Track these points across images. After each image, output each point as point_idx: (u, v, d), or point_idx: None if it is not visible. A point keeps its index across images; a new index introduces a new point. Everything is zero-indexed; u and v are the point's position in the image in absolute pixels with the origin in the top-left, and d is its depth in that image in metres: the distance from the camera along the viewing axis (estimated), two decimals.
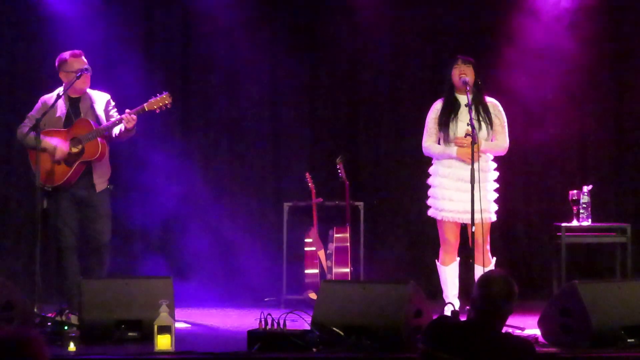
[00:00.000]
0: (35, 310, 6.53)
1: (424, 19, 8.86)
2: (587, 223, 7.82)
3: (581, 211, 7.81)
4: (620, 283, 6.68)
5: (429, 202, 7.05)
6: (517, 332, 6.34)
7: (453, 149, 6.85)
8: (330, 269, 8.18)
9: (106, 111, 7.25)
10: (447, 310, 6.40)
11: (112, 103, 7.30)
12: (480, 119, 6.89)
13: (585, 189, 7.83)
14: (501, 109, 7.04)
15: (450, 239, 6.94)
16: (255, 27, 8.76)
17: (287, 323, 5.99)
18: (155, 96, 7.17)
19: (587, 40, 8.69)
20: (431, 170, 7.05)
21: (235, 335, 6.49)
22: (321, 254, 8.21)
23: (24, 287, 7.05)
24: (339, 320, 5.95)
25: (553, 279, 8.02)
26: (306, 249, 8.25)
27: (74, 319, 6.47)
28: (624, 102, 8.85)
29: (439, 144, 6.99)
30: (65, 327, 6.15)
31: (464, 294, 6.92)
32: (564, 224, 7.89)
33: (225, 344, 6.23)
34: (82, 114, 7.20)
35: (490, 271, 4.77)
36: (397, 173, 8.83)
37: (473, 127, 6.58)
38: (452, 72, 6.94)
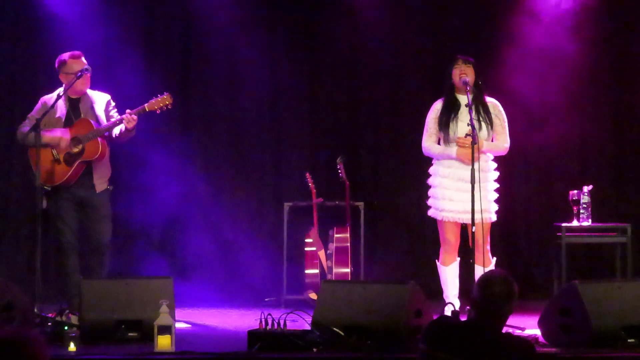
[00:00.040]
0: (35, 310, 6.52)
1: (424, 19, 8.86)
2: (587, 223, 7.82)
3: (581, 211, 7.81)
4: (620, 283, 6.68)
5: (429, 202, 7.05)
6: (518, 332, 6.34)
7: (453, 150, 6.85)
8: (330, 269, 8.18)
9: (106, 111, 7.25)
10: (447, 311, 6.40)
11: (113, 103, 7.30)
12: (481, 119, 6.89)
13: (586, 189, 7.83)
14: (501, 109, 7.04)
15: (450, 239, 6.94)
16: (255, 27, 8.76)
17: (288, 323, 6.00)
18: (156, 97, 7.17)
19: (587, 41, 8.69)
20: (431, 170, 7.04)
21: (236, 336, 6.48)
22: (321, 254, 8.21)
23: (24, 287, 7.04)
24: (339, 320, 5.95)
25: (553, 279, 8.03)
26: (306, 249, 8.26)
27: (74, 319, 6.47)
28: (624, 102, 8.85)
29: (439, 144, 6.99)
30: (66, 327, 6.15)
31: (464, 294, 6.92)
32: (564, 224, 7.89)
33: (225, 344, 6.23)
34: (82, 115, 7.20)
35: (491, 271, 4.76)
36: (397, 173, 8.84)
37: (473, 127, 6.58)
38: (452, 72, 6.94)
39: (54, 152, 7.13)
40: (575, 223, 7.86)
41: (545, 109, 8.78)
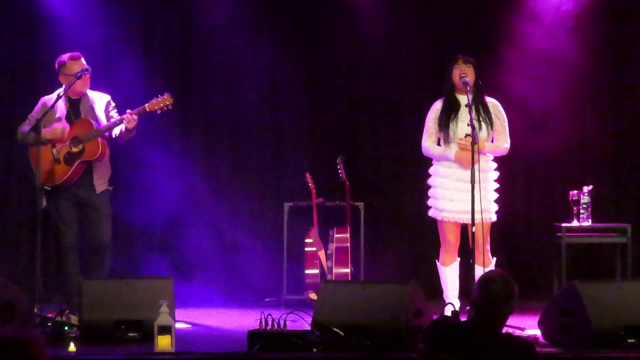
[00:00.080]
0: (35, 310, 6.53)
1: (424, 19, 8.86)
2: (587, 223, 7.83)
3: (581, 211, 7.81)
4: (620, 283, 6.68)
5: (429, 202, 7.05)
6: (518, 332, 6.34)
7: (452, 152, 6.85)
8: (330, 269, 8.18)
9: (106, 112, 7.25)
10: (448, 311, 6.40)
11: (113, 104, 7.31)
12: (481, 119, 6.89)
13: (586, 189, 7.84)
14: (501, 109, 7.03)
15: (450, 239, 6.94)
16: (255, 27, 8.76)
17: (288, 323, 6.00)
18: (157, 97, 7.18)
19: (587, 41, 8.69)
20: (431, 170, 7.04)
21: (236, 336, 6.49)
22: (321, 254, 8.21)
23: (24, 287, 7.04)
24: (339, 320, 5.95)
25: (553, 279, 8.03)
26: (306, 249, 8.25)
27: (74, 319, 6.47)
28: (624, 102, 8.85)
29: (439, 144, 6.99)
30: (66, 328, 6.15)
31: (464, 294, 6.92)
32: (564, 224, 7.89)
33: (225, 344, 6.23)
34: (82, 115, 7.20)
35: (490, 271, 4.76)
36: (397, 173, 8.83)
37: (473, 127, 6.57)
38: (452, 72, 6.93)
39: (54, 151, 7.14)
40: (575, 223, 7.86)
41: (546, 110, 8.78)
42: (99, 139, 7.12)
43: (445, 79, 7.02)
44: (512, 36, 8.59)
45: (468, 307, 4.23)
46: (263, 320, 5.94)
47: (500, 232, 8.41)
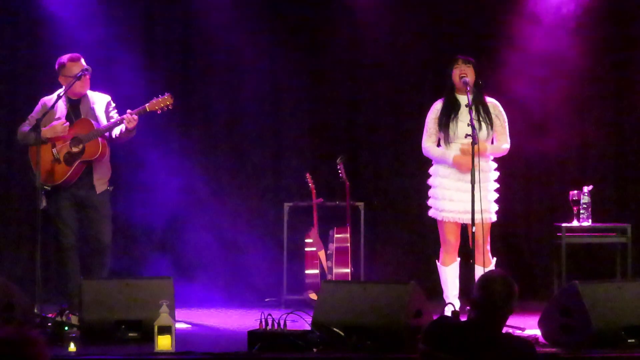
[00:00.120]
0: (35, 310, 6.53)
1: (424, 19, 8.85)
2: (587, 223, 7.83)
3: (581, 211, 7.81)
4: (620, 283, 6.68)
5: (430, 202, 7.05)
6: (518, 332, 6.34)
7: (450, 155, 6.84)
8: (330, 269, 8.18)
9: (106, 112, 7.25)
10: (448, 311, 6.40)
11: (113, 104, 7.31)
12: (481, 119, 6.88)
13: (586, 189, 7.84)
14: (502, 109, 7.03)
15: (450, 239, 6.94)
16: (255, 27, 8.75)
17: (288, 323, 6.00)
18: (157, 97, 7.18)
19: (587, 42, 8.68)
20: (431, 170, 7.04)
21: (236, 336, 6.49)
22: (321, 254, 8.21)
23: (25, 287, 7.04)
24: (340, 320, 5.95)
25: (553, 279, 8.03)
26: (306, 249, 8.25)
27: (74, 319, 6.47)
28: (624, 102, 8.85)
29: (439, 144, 6.99)
30: (66, 328, 6.15)
31: (464, 294, 6.92)
32: (564, 225, 7.89)
33: (225, 344, 6.23)
34: (82, 116, 7.20)
35: (491, 271, 4.76)
36: (397, 173, 8.83)
37: (473, 128, 6.57)
38: (452, 72, 6.93)
39: (54, 151, 7.14)
40: (575, 223, 7.86)
41: (546, 110, 8.78)
42: (99, 139, 7.12)
43: (445, 79, 7.02)
44: (513, 37, 8.58)
45: (468, 307, 4.23)
46: (263, 320, 5.94)
47: (501, 232, 8.40)
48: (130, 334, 6.24)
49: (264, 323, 5.94)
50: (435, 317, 5.18)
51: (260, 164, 8.89)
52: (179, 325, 6.55)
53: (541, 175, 8.87)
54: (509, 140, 7.02)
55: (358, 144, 8.94)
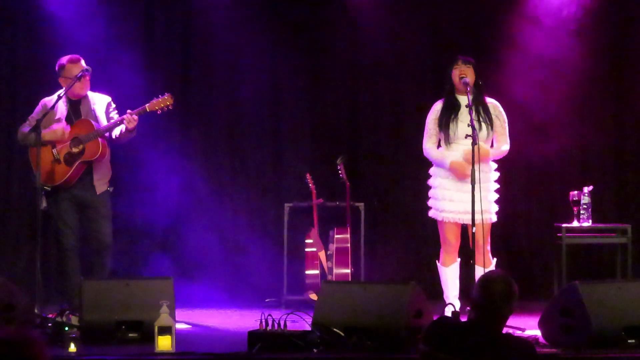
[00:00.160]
0: (35, 311, 6.53)
1: (425, 19, 8.85)
2: (587, 224, 7.82)
3: (582, 212, 7.81)
4: (620, 284, 6.68)
5: (430, 202, 7.05)
6: (518, 332, 6.34)
7: (448, 160, 6.84)
8: (330, 269, 8.18)
9: (107, 113, 7.25)
10: (448, 311, 6.40)
11: (113, 105, 7.31)
12: (481, 119, 6.88)
13: (586, 189, 7.84)
14: (502, 109, 7.03)
15: (450, 240, 6.94)
16: (255, 27, 8.76)
17: (288, 324, 6.00)
18: (157, 97, 7.18)
19: (588, 44, 8.68)
20: (432, 171, 7.04)
21: (236, 336, 6.48)
22: (322, 254, 8.21)
23: (25, 287, 7.04)
24: (340, 320, 5.95)
25: (554, 280, 8.03)
26: (307, 249, 8.25)
27: (74, 319, 6.47)
28: (624, 103, 8.85)
29: (439, 144, 6.99)
30: (66, 328, 6.16)
31: (464, 294, 6.92)
32: (564, 225, 7.89)
33: (225, 344, 6.23)
34: (82, 116, 7.21)
35: (490, 271, 4.77)
36: (397, 174, 8.83)
37: (474, 128, 6.57)
38: (452, 73, 6.94)
39: (55, 152, 7.14)
40: (575, 224, 7.86)
41: (546, 110, 8.78)
42: (99, 140, 7.12)
43: (445, 79, 7.02)
44: (513, 38, 8.58)
45: (468, 308, 4.23)
46: (263, 320, 5.94)
47: (501, 233, 8.40)
48: (131, 335, 6.24)
49: (264, 323, 5.94)
50: (435, 318, 5.18)
51: (260, 164, 8.89)
52: (179, 326, 6.55)
53: (541, 175, 8.87)
54: (508, 140, 7.02)
55: (358, 145, 8.94)
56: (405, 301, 5.93)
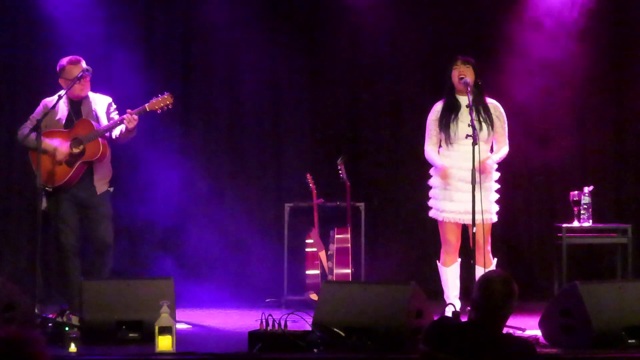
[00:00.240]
0: (36, 311, 6.53)
1: (425, 19, 8.85)
2: (588, 224, 7.83)
3: (582, 212, 7.81)
4: (621, 284, 6.67)
5: (430, 202, 7.05)
6: (518, 332, 6.33)
7: (443, 166, 6.85)
8: (331, 269, 8.18)
9: (107, 113, 7.25)
10: (448, 311, 6.40)
11: (114, 106, 7.31)
12: (481, 119, 6.89)
13: (586, 189, 7.84)
14: (502, 110, 7.03)
15: (451, 240, 6.94)
16: (255, 27, 8.76)
17: (288, 324, 6.00)
18: (157, 97, 7.17)
19: (587, 44, 8.68)
20: (432, 171, 7.04)
21: (236, 336, 6.48)
22: (322, 254, 8.21)
23: (25, 287, 7.04)
24: (340, 321, 5.95)
25: (554, 280, 8.03)
26: (307, 249, 8.25)
27: (74, 319, 6.46)
28: (625, 103, 8.85)
29: (440, 145, 6.99)
30: (66, 328, 6.15)
31: (465, 294, 6.92)
32: (564, 225, 7.89)
33: (226, 344, 6.22)
34: (83, 117, 7.20)
35: (490, 271, 4.76)
36: (398, 174, 8.83)
37: (474, 128, 6.57)
38: (451, 73, 6.94)
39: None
40: (575, 224, 7.86)
41: (546, 111, 8.78)
42: (100, 140, 7.12)
43: (445, 79, 7.01)
44: (512, 39, 8.58)
45: (469, 308, 4.23)
46: (264, 320, 5.94)
47: (501, 233, 8.40)
48: (131, 335, 6.24)
49: (264, 323, 5.94)
50: (435, 318, 5.18)
51: (260, 164, 8.89)
52: (179, 326, 6.55)
53: (542, 175, 8.87)
54: (507, 142, 7.02)
55: (358, 145, 8.94)
56: (405, 301, 5.93)
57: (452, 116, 6.90)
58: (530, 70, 8.61)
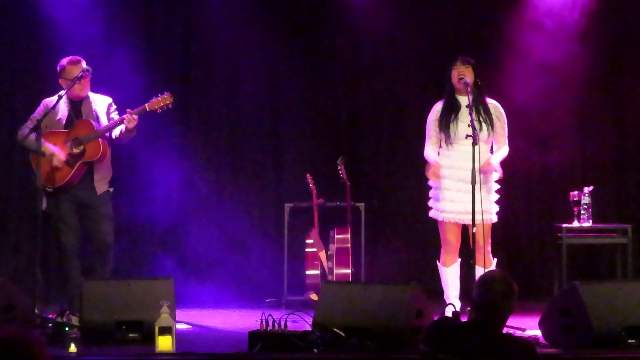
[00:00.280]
0: (36, 311, 6.53)
1: (425, 19, 8.85)
2: (588, 224, 7.83)
3: (582, 212, 7.81)
4: (621, 284, 6.68)
5: (430, 203, 7.05)
6: (518, 333, 6.33)
7: (436, 163, 6.86)
8: (331, 270, 8.18)
9: (107, 114, 7.25)
10: (448, 311, 6.40)
11: (114, 106, 7.31)
12: (481, 119, 6.88)
13: (586, 189, 7.84)
14: (502, 110, 7.03)
15: (451, 240, 6.94)
16: (255, 28, 8.76)
17: (288, 324, 6.00)
18: (157, 96, 7.17)
19: (587, 44, 8.68)
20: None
21: (237, 336, 6.48)
22: (322, 255, 8.21)
23: (25, 288, 7.04)
24: (340, 321, 5.95)
25: (554, 280, 8.03)
26: (307, 250, 8.25)
27: (75, 320, 6.46)
28: (625, 103, 8.85)
29: (440, 145, 6.99)
30: (66, 328, 6.15)
31: (465, 294, 6.92)
32: (565, 225, 7.89)
33: (226, 344, 6.22)
34: (83, 117, 7.20)
35: (490, 271, 4.77)
36: (398, 174, 8.83)
37: (474, 128, 6.57)
38: (451, 73, 6.93)
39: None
40: (575, 224, 7.86)
41: (546, 111, 8.77)
42: (100, 140, 7.12)
43: (445, 80, 7.01)
44: (513, 41, 8.58)
45: (469, 308, 4.23)
46: (264, 320, 5.94)
47: (501, 233, 8.40)
48: (131, 335, 6.23)
49: (264, 324, 5.94)
50: (435, 318, 5.18)
51: (260, 164, 8.89)
52: (179, 326, 6.55)
53: (542, 176, 8.87)
54: (507, 142, 7.02)
55: (358, 145, 8.94)
56: (405, 301, 5.93)
57: (452, 116, 6.90)
58: (531, 70, 8.60)
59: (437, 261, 7.06)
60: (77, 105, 7.23)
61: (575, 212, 7.84)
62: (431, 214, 7.04)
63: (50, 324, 6.39)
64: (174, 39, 8.86)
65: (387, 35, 8.83)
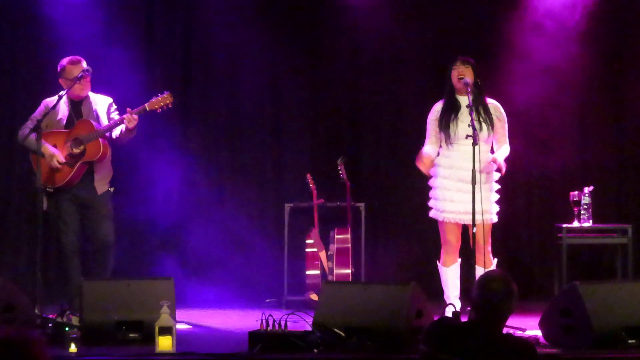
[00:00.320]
0: (36, 311, 6.53)
1: (425, 19, 8.85)
2: (588, 224, 7.83)
3: (582, 212, 7.81)
4: (621, 284, 6.68)
5: (430, 203, 7.05)
6: (518, 333, 6.33)
7: (427, 158, 6.89)
8: (331, 270, 8.18)
9: (108, 114, 7.25)
10: (448, 312, 6.40)
11: (114, 106, 7.31)
12: (481, 119, 6.88)
13: (587, 190, 7.84)
14: (502, 110, 7.03)
15: (451, 240, 6.94)
16: (255, 27, 8.76)
17: (289, 324, 6.00)
18: (157, 96, 7.17)
19: (588, 44, 8.68)
20: (432, 171, 7.04)
21: (237, 336, 6.49)
22: (322, 255, 8.21)
23: (25, 288, 7.04)
24: (340, 321, 5.95)
25: (554, 280, 8.03)
26: (307, 250, 8.25)
27: (75, 320, 6.47)
28: (625, 103, 8.85)
29: (440, 145, 6.99)
30: (66, 328, 6.15)
31: (465, 294, 6.92)
32: (565, 225, 7.89)
33: (226, 344, 6.23)
34: (83, 117, 7.20)
35: (490, 271, 4.77)
36: (398, 174, 8.83)
37: (474, 128, 6.57)
38: (451, 73, 6.93)
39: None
40: (576, 224, 7.86)
41: (546, 111, 8.78)
42: (100, 140, 7.12)
43: (445, 80, 7.02)
44: (513, 41, 8.58)
45: (469, 308, 4.23)
46: (264, 320, 5.94)
47: (501, 233, 8.40)
48: (131, 335, 6.23)
49: (264, 324, 5.94)
50: (435, 318, 5.18)
51: (260, 164, 8.89)
52: (179, 326, 6.55)
53: (542, 176, 8.87)
54: (507, 141, 7.02)
55: (359, 145, 8.94)
56: (405, 301, 5.93)
57: (452, 116, 6.90)
58: (531, 71, 8.60)
59: (437, 261, 7.06)
60: (78, 105, 7.23)
61: (576, 212, 7.84)
62: (431, 214, 7.04)
63: (50, 324, 6.39)
64: (174, 39, 8.86)
65: (387, 35, 8.83)
